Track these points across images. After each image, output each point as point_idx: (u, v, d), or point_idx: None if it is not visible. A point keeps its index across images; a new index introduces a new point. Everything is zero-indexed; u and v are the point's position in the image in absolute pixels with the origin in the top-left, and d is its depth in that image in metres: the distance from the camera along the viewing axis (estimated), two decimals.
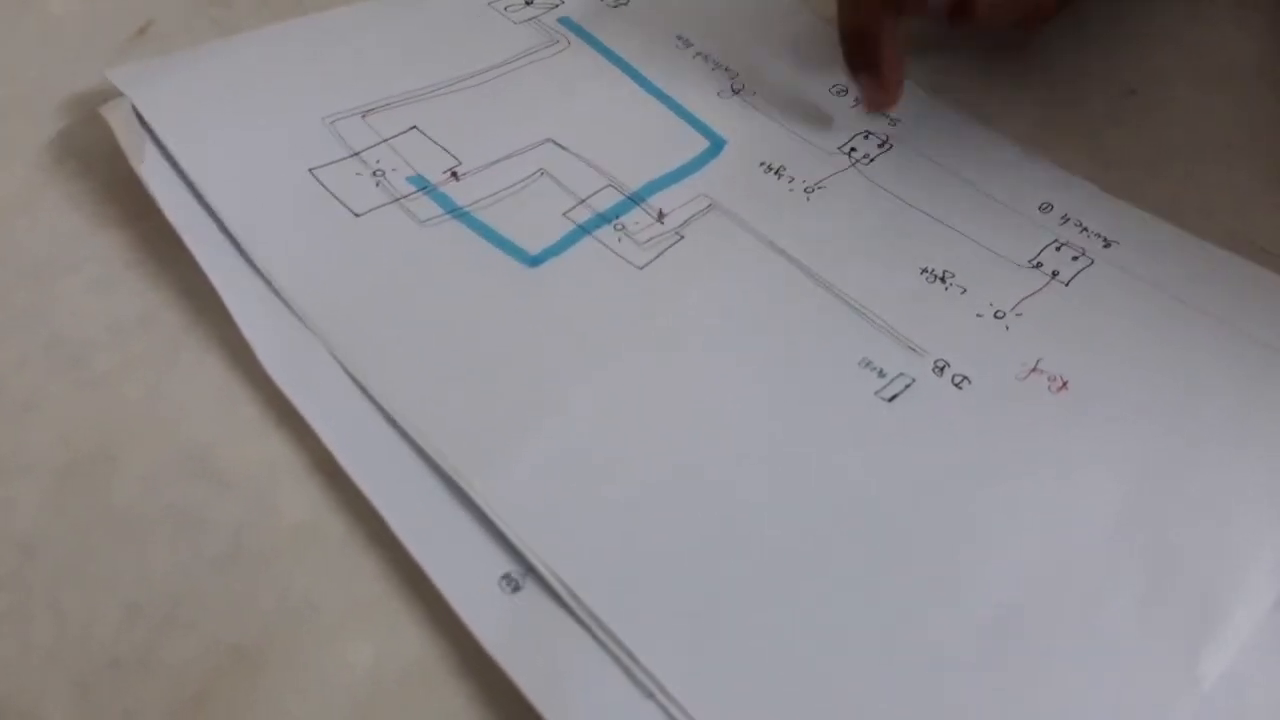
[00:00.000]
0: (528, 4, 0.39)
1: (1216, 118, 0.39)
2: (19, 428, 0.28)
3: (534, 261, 0.31)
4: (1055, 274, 0.31)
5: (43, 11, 0.39)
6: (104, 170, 0.33)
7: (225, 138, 0.33)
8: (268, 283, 0.30)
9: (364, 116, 0.34)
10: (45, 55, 0.37)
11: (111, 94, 0.34)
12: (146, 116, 0.33)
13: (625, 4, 0.40)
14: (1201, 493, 0.26)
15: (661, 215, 0.32)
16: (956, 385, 0.28)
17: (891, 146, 0.35)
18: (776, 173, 0.34)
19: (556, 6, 0.39)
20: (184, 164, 0.32)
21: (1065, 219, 0.33)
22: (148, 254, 0.31)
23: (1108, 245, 0.32)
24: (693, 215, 0.33)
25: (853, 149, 0.35)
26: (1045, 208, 0.33)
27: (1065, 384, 0.29)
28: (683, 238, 0.32)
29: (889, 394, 0.28)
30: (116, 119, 0.33)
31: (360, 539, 0.26)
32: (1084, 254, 0.32)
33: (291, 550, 0.26)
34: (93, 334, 0.30)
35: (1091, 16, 0.42)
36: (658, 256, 0.31)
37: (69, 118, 0.35)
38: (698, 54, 0.38)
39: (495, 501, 0.25)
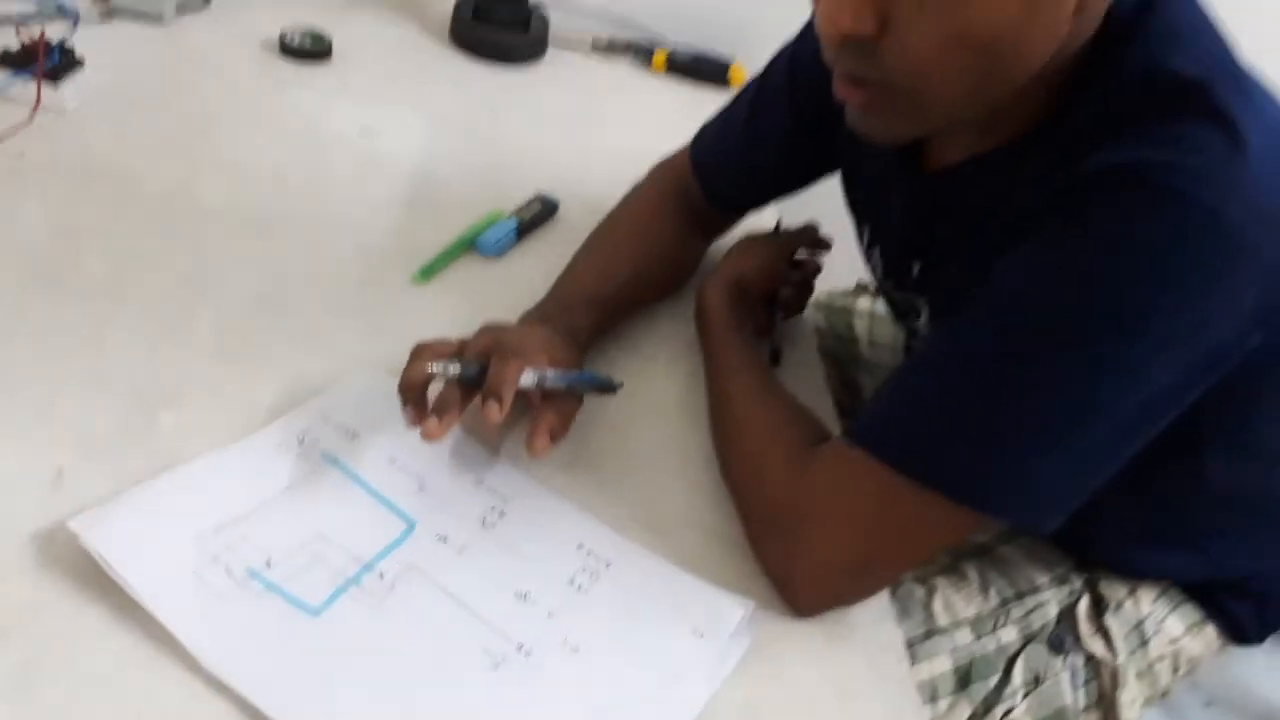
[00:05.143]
0: (300, 444, 0.70)
1: (656, 443, 0.77)
2: None
3: (316, 613, 0.61)
4: (580, 586, 0.66)
5: None
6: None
7: (151, 552, 0.61)
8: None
9: (217, 532, 0.63)
10: None
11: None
12: (100, 552, 0.60)
13: (357, 436, 0.71)
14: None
15: (382, 575, 0.64)
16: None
17: (503, 514, 0.69)
18: (444, 540, 0.67)
19: (317, 442, 0.71)
20: (129, 578, 0.59)
21: (588, 551, 0.68)
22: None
23: (609, 565, 0.68)
24: (400, 573, 0.64)
25: (489, 512, 0.69)
26: (580, 546, 0.69)
27: (578, 649, 0.63)
28: (394, 589, 0.63)
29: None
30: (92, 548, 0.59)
31: None
32: (595, 572, 0.67)
33: None
34: None
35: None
36: (380, 602, 0.62)
37: (35, 552, 0.60)
38: (401, 468, 0.70)
39: None
